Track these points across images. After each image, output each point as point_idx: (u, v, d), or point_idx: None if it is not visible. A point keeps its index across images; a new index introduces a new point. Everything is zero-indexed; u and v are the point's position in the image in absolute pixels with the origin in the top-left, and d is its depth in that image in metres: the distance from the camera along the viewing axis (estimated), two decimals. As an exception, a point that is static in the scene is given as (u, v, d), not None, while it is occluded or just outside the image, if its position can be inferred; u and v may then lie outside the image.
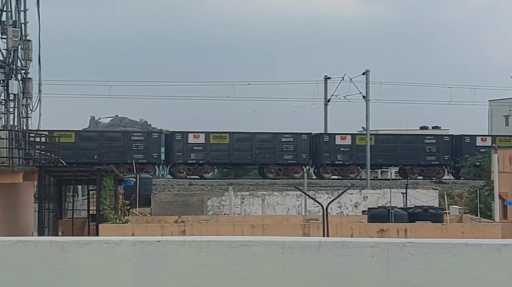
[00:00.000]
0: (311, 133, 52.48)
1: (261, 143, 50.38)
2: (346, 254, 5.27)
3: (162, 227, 26.51)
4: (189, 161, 49.83)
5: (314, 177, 51.20)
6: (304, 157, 50.76)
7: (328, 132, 54.00)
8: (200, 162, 49.98)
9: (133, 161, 46.16)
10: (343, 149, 50.89)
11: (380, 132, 61.66)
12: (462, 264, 5.18)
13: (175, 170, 50.04)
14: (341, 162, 50.88)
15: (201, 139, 50.13)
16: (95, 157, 48.15)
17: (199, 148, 49.95)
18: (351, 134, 52.88)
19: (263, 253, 5.32)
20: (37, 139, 32.41)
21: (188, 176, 49.28)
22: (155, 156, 49.62)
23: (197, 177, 49.35)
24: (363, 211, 33.82)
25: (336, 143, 50.98)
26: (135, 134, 50.75)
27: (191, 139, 49.94)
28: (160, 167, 52.12)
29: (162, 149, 50.99)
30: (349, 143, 51.07)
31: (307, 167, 51.36)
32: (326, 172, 50.62)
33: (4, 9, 30.59)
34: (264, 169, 50.73)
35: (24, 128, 30.99)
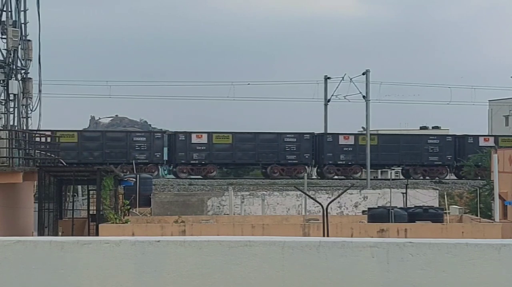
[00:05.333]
0: (455, 135, 54.21)
1: (408, 145, 51.28)
2: (346, 254, 5.27)
3: (162, 227, 26.50)
4: (338, 162, 51.14)
5: (455, 177, 51.85)
6: (449, 158, 51.92)
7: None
8: (349, 163, 51.17)
9: (133, 161, 46.22)
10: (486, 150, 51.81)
11: (381, 132, 61.66)
12: (462, 264, 5.18)
13: (325, 171, 51.24)
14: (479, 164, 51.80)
15: (351, 140, 51.59)
16: (250, 157, 50.80)
17: (349, 149, 51.26)
18: (494, 136, 54.39)
19: (263, 253, 5.32)
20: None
21: (336, 177, 50.60)
22: (306, 157, 50.98)
23: (344, 177, 50.43)
24: (363, 211, 33.78)
25: (480, 145, 51.95)
26: (287, 135, 51.74)
27: (341, 140, 51.29)
28: (310, 167, 53.48)
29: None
30: (492, 143, 51.90)
31: (451, 168, 52.68)
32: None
33: (4, 9, 30.58)
34: (409, 170, 51.85)
35: (24, 128, 30.99)
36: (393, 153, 51.77)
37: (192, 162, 49.62)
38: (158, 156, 49.65)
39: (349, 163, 51.20)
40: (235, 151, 50.29)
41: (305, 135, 51.72)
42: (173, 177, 50.79)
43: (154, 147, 49.61)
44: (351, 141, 51.54)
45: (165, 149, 50.97)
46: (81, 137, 49.48)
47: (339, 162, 51.13)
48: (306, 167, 51.51)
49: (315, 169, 53.42)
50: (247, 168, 57.51)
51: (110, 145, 49.28)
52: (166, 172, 53.37)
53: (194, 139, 50.02)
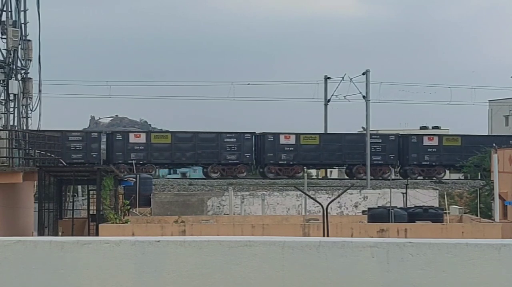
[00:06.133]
0: None
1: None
2: (346, 254, 5.27)
3: (162, 227, 26.50)
4: (423, 163, 51.99)
5: None
6: None
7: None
8: (433, 163, 51.98)
9: (133, 161, 46.24)
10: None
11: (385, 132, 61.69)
12: (462, 264, 5.18)
13: (409, 171, 51.87)
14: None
15: (435, 141, 52.47)
16: (337, 158, 51.94)
17: (433, 150, 52.08)
18: None
19: (263, 253, 5.32)
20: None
21: (420, 177, 51.13)
22: (391, 157, 51.77)
23: (427, 177, 51.07)
24: (363, 211, 33.77)
25: None
26: (373, 136, 52.41)
27: (426, 141, 52.22)
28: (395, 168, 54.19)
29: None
30: None
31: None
32: None
33: (4, 9, 30.58)
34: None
35: (24, 128, 31.00)
36: (476, 154, 52.19)
37: (280, 162, 50.84)
38: (247, 156, 50.89)
39: (433, 163, 51.99)
40: (322, 152, 51.35)
41: (390, 136, 52.72)
42: (260, 177, 51.59)
43: (244, 147, 50.83)
44: (435, 142, 52.42)
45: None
46: (174, 138, 50.59)
47: (423, 163, 51.95)
48: (391, 167, 52.21)
49: (398, 169, 54.14)
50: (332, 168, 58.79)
51: (201, 145, 50.46)
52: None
53: (282, 140, 51.19)
